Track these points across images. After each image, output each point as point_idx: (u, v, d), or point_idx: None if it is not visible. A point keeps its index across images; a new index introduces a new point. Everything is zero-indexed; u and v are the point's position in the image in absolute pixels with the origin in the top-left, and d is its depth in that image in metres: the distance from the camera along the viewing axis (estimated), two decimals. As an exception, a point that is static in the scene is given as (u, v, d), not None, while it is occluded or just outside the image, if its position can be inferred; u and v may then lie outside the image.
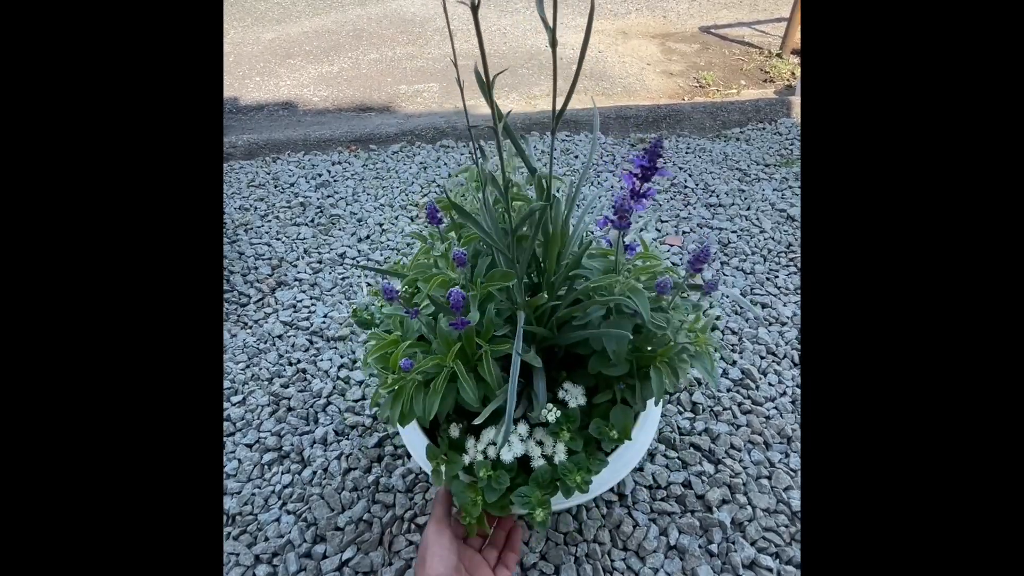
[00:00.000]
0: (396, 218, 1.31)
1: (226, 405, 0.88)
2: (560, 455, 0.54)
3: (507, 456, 0.54)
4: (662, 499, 0.74)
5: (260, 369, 0.94)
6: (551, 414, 0.54)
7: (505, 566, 0.58)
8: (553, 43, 0.43)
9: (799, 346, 0.96)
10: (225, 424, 0.85)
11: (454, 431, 0.58)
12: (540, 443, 0.55)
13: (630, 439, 0.58)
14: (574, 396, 0.56)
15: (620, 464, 0.60)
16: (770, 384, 0.89)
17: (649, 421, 0.64)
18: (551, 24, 0.41)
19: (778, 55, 2.51)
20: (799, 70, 2.36)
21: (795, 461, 0.78)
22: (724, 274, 1.13)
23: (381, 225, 1.29)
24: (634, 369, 0.56)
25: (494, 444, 0.55)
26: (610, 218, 0.48)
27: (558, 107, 0.45)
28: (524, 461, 0.55)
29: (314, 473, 0.78)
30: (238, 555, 0.69)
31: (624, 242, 0.52)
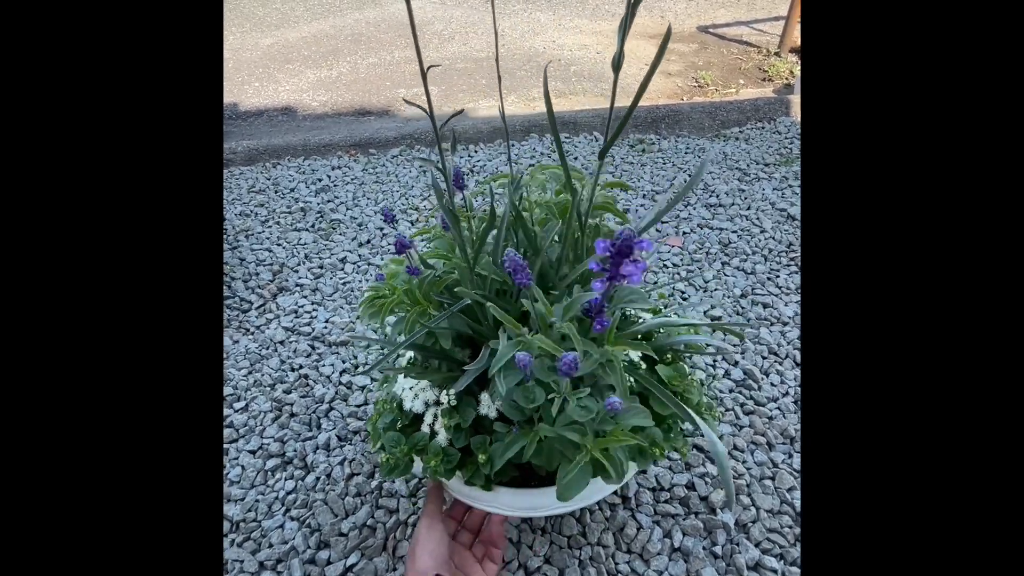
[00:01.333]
0: (396, 222, 1.31)
1: (229, 411, 0.88)
2: (440, 438, 0.56)
3: (407, 404, 0.57)
4: (665, 501, 0.74)
5: (262, 375, 0.94)
6: (447, 398, 0.55)
7: (490, 559, 0.59)
8: (617, 66, 0.41)
9: (801, 346, 0.96)
10: (228, 431, 0.85)
11: (402, 360, 0.62)
12: (436, 417, 0.57)
13: (488, 488, 0.56)
14: (486, 405, 0.56)
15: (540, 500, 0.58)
16: (772, 384, 0.89)
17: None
18: (621, 46, 0.40)
19: (776, 54, 2.51)
20: (797, 68, 2.36)
21: (798, 461, 0.78)
22: (725, 274, 1.13)
23: (382, 229, 1.29)
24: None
25: (410, 389, 0.57)
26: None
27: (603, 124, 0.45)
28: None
29: (317, 479, 0.78)
30: (242, 562, 0.70)
31: (602, 309, 0.46)
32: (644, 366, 0.58)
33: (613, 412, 0.44)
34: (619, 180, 0.59)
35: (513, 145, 1.66)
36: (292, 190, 1.45)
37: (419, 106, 0.45)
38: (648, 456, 0.54)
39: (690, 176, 1.45)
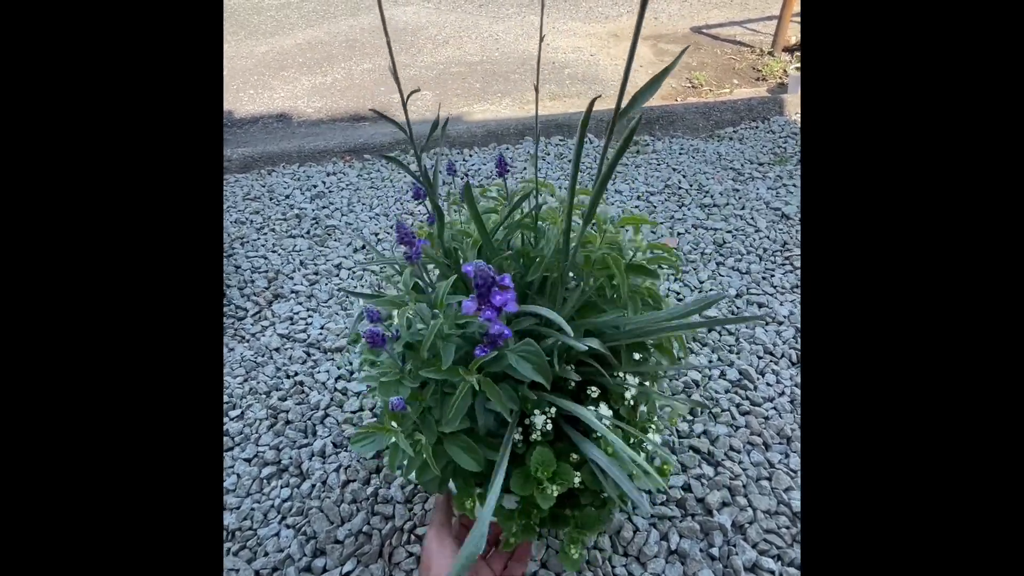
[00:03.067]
0: (391, 227, 1.31)
1: (224, 420, 0.88)
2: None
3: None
4: (662, 503, 0.74)
5: (258, 383, 0.94)
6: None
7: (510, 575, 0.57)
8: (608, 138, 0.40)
9: (797, 345, 0.95)
10: (224, 439, 0.85)
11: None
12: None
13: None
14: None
15: None
16: (768, 384, 0.89)
17: None
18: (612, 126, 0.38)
19: (770, 53, 2.51)
20: (791, 67, 2.36)
21: (795, 461, 0.78)
22: (720, 275, 1.13)
23: (376, 235, 1.29)
24: None
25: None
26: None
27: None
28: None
29: (313, 486, 0.78)
30: (238, 571, 0.69)
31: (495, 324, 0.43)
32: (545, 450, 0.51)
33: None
34: (639, 215, 0.59)
35: (507, 148, 1.67)
36: (287, 197, 1.45)
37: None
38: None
39: (684, 176, 1.45)
